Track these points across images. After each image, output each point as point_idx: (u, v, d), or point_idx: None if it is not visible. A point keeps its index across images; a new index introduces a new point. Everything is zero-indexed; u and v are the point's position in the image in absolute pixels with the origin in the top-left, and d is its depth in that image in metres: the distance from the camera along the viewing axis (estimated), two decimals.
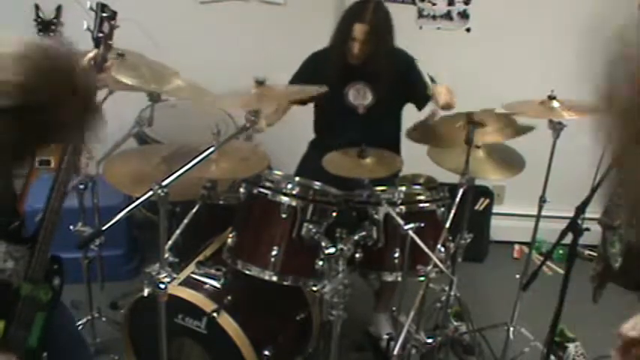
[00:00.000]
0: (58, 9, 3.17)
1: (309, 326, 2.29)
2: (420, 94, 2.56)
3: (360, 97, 2.63)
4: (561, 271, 2.62)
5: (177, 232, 2.01)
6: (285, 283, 2.04)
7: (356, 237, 2.10)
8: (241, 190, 2.12)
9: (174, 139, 2.65)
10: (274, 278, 2.02)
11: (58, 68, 1.11)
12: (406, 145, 2.55)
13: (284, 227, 2.03)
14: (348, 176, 2.24)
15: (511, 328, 2.63)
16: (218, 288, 2.07)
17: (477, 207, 3.45)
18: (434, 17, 3.32)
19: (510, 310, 2.64)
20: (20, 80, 1.05)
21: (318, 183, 2.09)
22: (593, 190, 1.81)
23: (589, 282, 2.81)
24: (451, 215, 2.15)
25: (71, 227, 2.25)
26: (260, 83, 1.94)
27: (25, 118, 1.08)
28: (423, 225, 2.09)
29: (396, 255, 2.16)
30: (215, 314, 1.94)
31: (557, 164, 2.41)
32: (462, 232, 2.29)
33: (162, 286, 1.61)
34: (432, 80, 2.34)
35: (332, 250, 1.90)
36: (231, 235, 2.12)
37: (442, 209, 2.23)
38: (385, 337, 2.49)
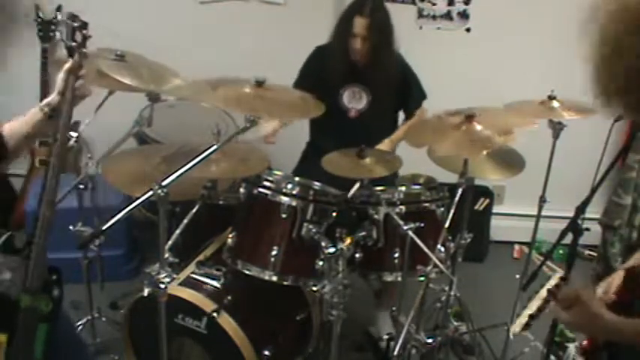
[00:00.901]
0: (58, 9, 3.17)
1: (309, 326, 2.29)
2: (413, 103, 2.59)
3: (354, 100, 2.63)
4: (561, 271, 2.62)
5: (177, 232, 2.02)
6: (285, 283, 2.04)
7: (356, 237, 2.10)
8: (241, 190, 2.12)
9: (174, 139, 2.65)
10: (274, 278, 2.02)
11: None
12: (406, 144, 2.55)
13: (284, 227, 2.03)
14: (348, 176, 2.24)
15: (511, 329, 2.63)
16: (218, 288, 2.07)
17: (476, 207, 3.45)
18: (434, 17, 3.32)
19: (510, 310, 2.64)
20: None
21: (318, 183, 2.09)
22: (593, 190, 1.80)
23: (589, 282, 2.80)
24: (451, 215, 2.15)
25: (71, 227, 2.25)
26: (260, 83, 1.94)
27: None
28: (422, 225, 2.09)
29: (396, 255, 2.16)
30: (215, 314, 1.94)
31: (557, 164, 2.41)
32: (462, 232, 2.29)
33: (162, 286, 1.61)
34: None
35: (332, 250, 1.90)
36: (231, 235, 2.12)
37: (442, 209, 2.23)
38: (385, 337, 2.49)
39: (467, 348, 2.61)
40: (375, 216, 2.15)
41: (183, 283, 2.06)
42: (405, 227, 2.04)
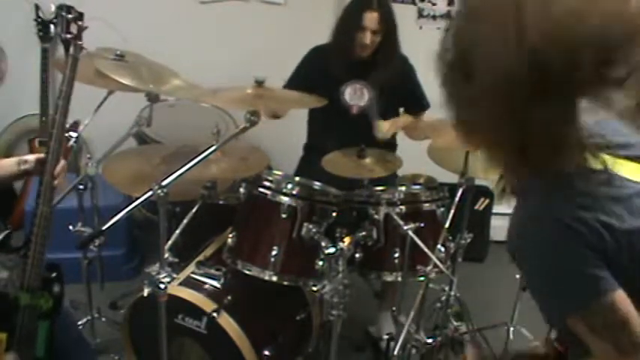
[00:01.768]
0: (59, 8, 3.17)
1: (309, 326, 2.29)
2: (415, 103, 2.59)
3: (356, 97, 2.62)
4: None
5: (177, 232, 2.01)
6: (285, 283, 2.04)
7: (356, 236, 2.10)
8: (241, 190, 2.12)
9: (174, 139, 2.65)
10: (274, 278, 2.02)
11: None
12: (406, 145, 2.55)
13: (284, 227, 2.02)
14: (348, 176, 2.24)
15: (511, 328, 2.63)
16: (218, 288, 2.07)
17: (476, 207, 3.45)
18: (434, 17, 3.32)
19: (510, 310, 2.64)
20: None
21: (318, 183, 2.09)
22: None
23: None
24: (451, 215, 2.15)
25: (71, 227, 2.25)
26: (260, 83, 1.94)
27: None
28: (422, 225, 2.09)
29: (396, 255, 2.16)
30: (215, 314, 1.94)
31: None
32: (462, 232, 2.29)
33: (162, 286, 1.61)
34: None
35: (332, 250, 1.90)
36: (231, 235, 2.12)
37: (442, 209, 2.23)
38: (385, 337, 2.49)
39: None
40: (375, 216, 2.15)
41: (183, 283, 2.06)
42: (405, 227, 2.04)
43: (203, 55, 3.19)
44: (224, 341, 1.94)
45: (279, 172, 2.13)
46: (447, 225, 2.15)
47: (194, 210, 2.12)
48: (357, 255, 2.13)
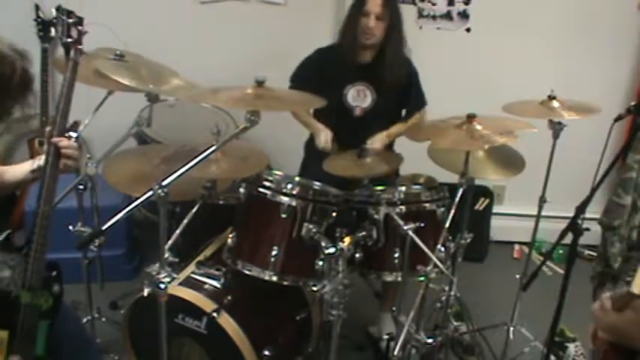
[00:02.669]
0: (58, 9, 3.17)
1: (309, 326, 2.29)
2: (415, 103, 2.59)
3: (359, 98, 2.63)
4: (561, 271, 2.63)
5: (177, 232, 2.01)
6: (285, 283, 2.04)
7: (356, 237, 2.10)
8: (241, 190, 2.12)
9: (174, 139, 2.65)
10: (274, 278, 2.02)
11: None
12: (406, 145, 2.55)
13: (284, 227, 2.02)
14: (350, 176, 2.24)
15: (511, 328, 2.63)
16: (218, 288, 2.07)
17: (477, 207, 3.45)
18: (434, 17, 3.32)
19: (510, 310, 2.64)
20: None
21: (318, 183, 2.09)
22: (593, 190, 1.81)
23: (589, 282, 2.81)
24: (451, 215, 2.15)
25: (71, 227, 2.25)
26: (260, 83, 1.93)
27: None
28: (423, 225, 2.09)
29: (396, 255, 2.16)
30: (215, 314, 1.94)
31: (557, 164, 2.41)
32: (462, 232, 2.29)
33: (162, 286, 1.61)
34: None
35: (332, 250, 1.90)
36: (231, 235, 2.12)
37: (442, 209, 2.23)
38: (385, 337, 2.49)
39: (467, 348, 2.61)
40: (375, 216, 2.15)
41: (183, 283, 2.06)
42: (405, 227, 2.04)
43: (203, 55, 3.19)
44: (224, 341, 1.94)
45: (279, 172, 2.13)
46: (447, 225, 2.15)
47: (194, 210, 2.12)
48: (357, 255, 2.13)
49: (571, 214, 1.79)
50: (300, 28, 3.24)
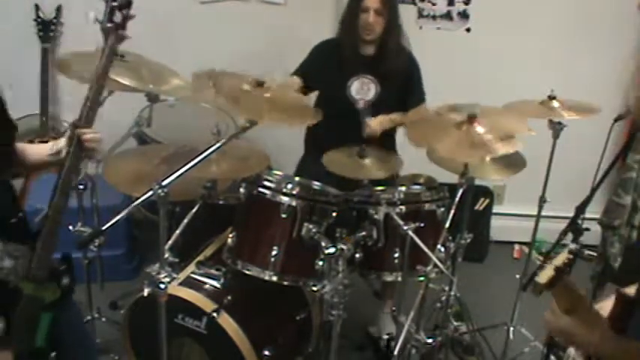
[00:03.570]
0: (58, 9, 3.17)
1: (309, 326, 2.29)
2: (415, 98, 2.59)
3: (363, 91, 2.62)
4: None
5: (177, 232, 2.01)
6: (285, 283, 2.04)
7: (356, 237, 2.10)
8: (241, 190, 2.12)
9: (174, 139, 2.65)
10: (274, 278, 2.02)
11: None
12: (406, 145, 2.55)
13: (284, 227, 2.02)
14: (348, 176, 2.24)
15: (511, 328, 2.63)
16: (218, 288, 2.07)
17: (477, 207, 3.45)
18: (434, 17, 3.32)
19: (510, 310, 2.64)
20: None
21: (318, 183, 2.09)
22: (593, 190, 1.81)
23: (589, 282, 2.80)
24: (451, 215, 2.15)
25: (71, 227, 2.24)
26: (260, 84, 1.94)
27: None
28: (422, 225, 2.09)
29: (396, 255, 2.16)
30: (215, 314, 1.94)
31: (557, 164, 2.41)
32: (462, 232, 2.29)
33: (162, 286, 1.61)
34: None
35: (332, 250, 1.90)
36: (231, 235, 2.12)
37: (442, 209, 2.23)
38: (385, 337, 2.49)
39: (467, 348, 2.61)
40: (375, 216, 2.15)
41: (183, 283, 2.06)
42: (405, 227, 2.04)
43: (203, 55, 3.19)
44: (224, 341, 1.94)
45: (279, 172, 2.13)
46: (447, 225, 2.15)
47: (194, 210, 2.12)
48: (357, 255, 2.13)
49: (571, 214, 1.79)
50: (300, 28, 3.24)
